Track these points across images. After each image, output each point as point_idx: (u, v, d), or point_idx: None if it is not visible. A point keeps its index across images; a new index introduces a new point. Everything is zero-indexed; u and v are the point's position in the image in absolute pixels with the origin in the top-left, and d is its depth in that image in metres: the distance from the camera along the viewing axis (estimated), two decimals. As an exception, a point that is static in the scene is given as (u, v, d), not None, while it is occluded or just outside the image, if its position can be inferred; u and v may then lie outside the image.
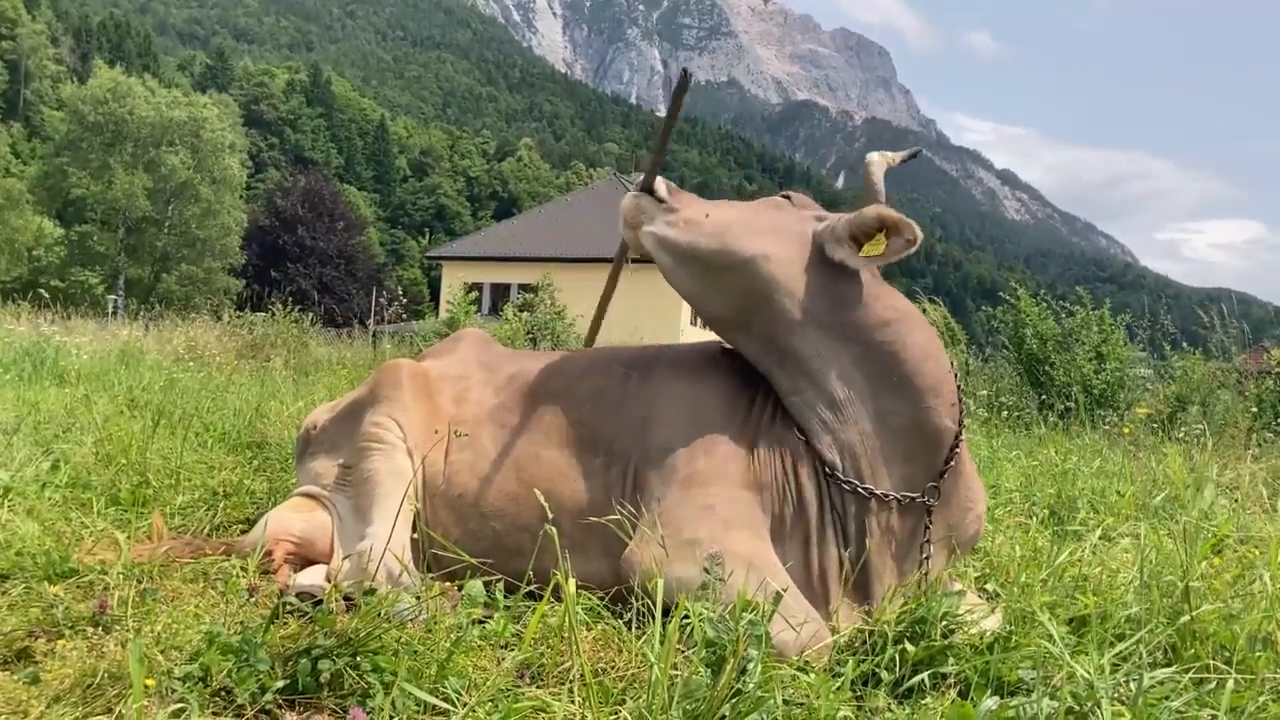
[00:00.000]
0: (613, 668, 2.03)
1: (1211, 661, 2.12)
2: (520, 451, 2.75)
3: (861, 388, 2.47)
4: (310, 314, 14.16)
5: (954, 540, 2.53)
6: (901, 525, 2.46)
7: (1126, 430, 6.81)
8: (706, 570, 2.14)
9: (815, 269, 2.54)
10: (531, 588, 2.38)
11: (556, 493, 2.54)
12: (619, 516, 2.43)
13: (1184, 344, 10.27)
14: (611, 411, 2.70)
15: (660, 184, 2.70)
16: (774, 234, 2.59)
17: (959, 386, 2.54)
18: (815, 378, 2.49)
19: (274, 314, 13.10)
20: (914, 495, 2.46)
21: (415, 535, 2.69)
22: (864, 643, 2.20)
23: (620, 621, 2.22)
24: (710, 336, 2.89)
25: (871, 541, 2.42)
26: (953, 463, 2.48)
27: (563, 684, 1.95)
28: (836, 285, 2.52)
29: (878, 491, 2.43)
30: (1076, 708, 1.80)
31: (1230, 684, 1.91)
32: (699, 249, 2.59)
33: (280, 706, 1.83)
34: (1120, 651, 2.07)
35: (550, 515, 2.21)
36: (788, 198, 2.77)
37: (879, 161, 2.71)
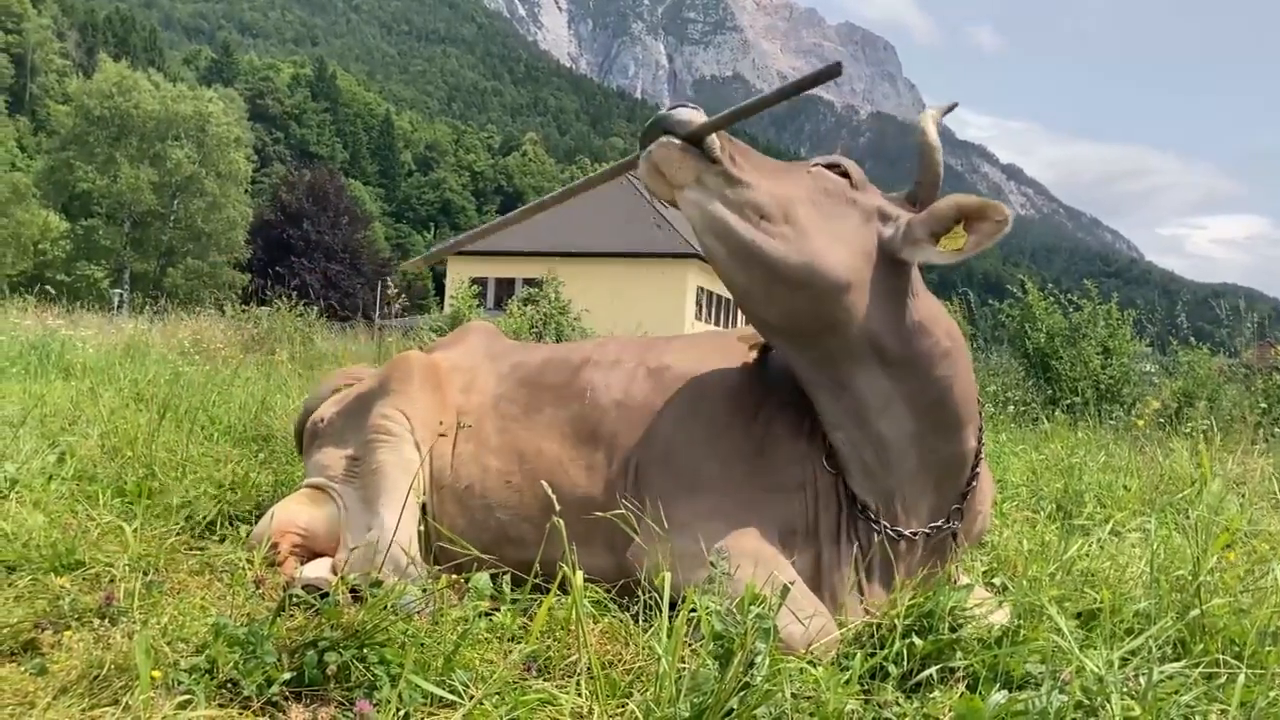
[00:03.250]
0: (620, 661, 2.03)
1: (1221, 656, 2.12)
2: (524, 443, 2.74)
3: (910, 431, 2.30)
4: (315, 308, 14.19)
5: (964, 540, 2.51)
6: (925, 554, 2.42)
7: (1140, 423, 6.79)
8: (713, 564, 2.12)
9: (886, 293, 2.26)
10: (537, 580, 2.37)
11: (558, 484, 2.47)
12: (622, 511, 2.39)
13: (1191, 339, 10.25)
14: (615, 404, 2.68)
15: (715, 141, 2.17)
16: (847, 246, 2.22)
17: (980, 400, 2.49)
18: (865, 420, 2.30)
19: (279, 308, 13.12)
20: (940, 525, 2.41)
21: (422, 527, 2.68)
22: (872, 636, 2.19)
23: (627, 615, 2.21)
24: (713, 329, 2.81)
25: (897, 577, 2.35)
26: (974, 483, 2.44)
27: (570, 677, 1.95)
28: (905, 312, 2.28)
29: (907, 532, 2.37)
30: (1086, 702, 1.80)
31: (1241, 679, 1.90)
32: (768, 255, 2.16)
33: (287, 698, 1.83)
34: (1130, 646, 2.06)
35: (557, 507, 2.18)
36: (845, 174, 2.35)
37: (935, 132, 2.27)
